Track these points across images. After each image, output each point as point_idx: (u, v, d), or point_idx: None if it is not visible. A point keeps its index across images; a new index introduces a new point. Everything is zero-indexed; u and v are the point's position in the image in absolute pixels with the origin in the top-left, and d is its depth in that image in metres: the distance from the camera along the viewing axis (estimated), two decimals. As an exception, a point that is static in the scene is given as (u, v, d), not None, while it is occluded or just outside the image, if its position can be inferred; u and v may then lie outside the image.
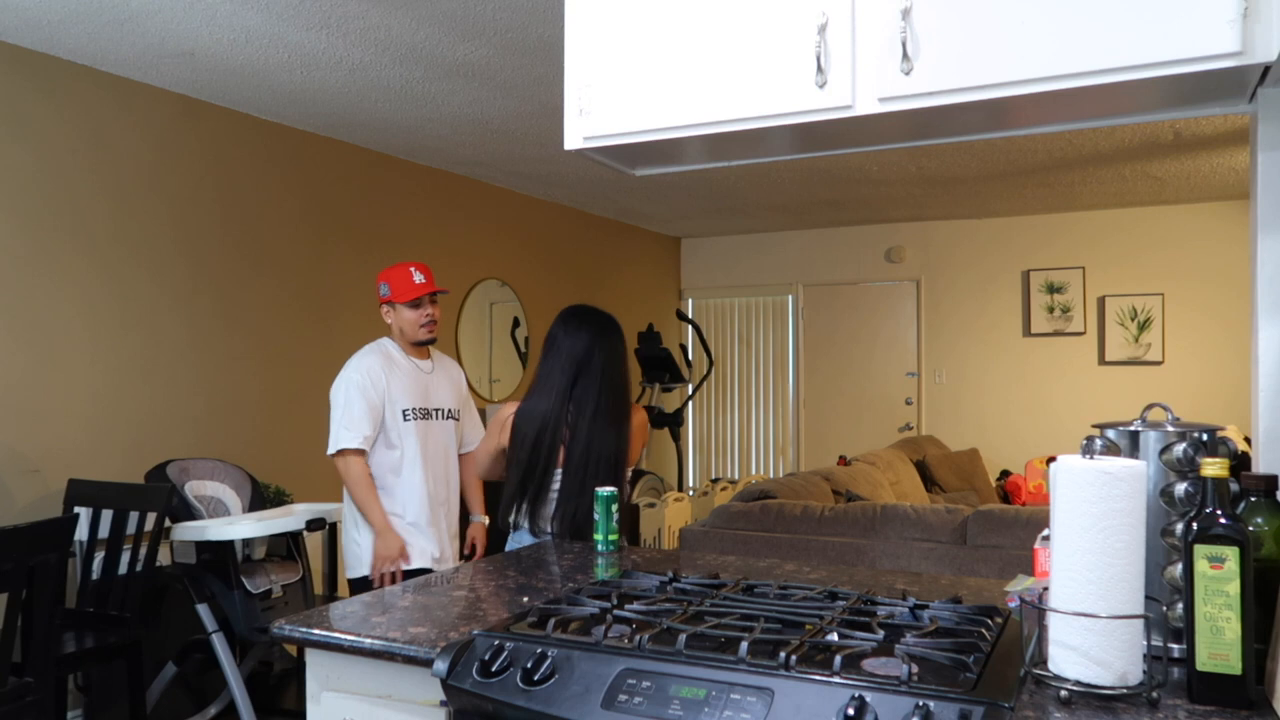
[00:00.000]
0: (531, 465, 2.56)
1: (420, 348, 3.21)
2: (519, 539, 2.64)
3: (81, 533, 3.34)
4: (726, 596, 1.66)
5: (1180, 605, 1.31)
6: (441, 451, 3.21)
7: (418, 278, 3.14)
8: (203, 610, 3.36)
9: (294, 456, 4.58)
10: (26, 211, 3.54)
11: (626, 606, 1.57)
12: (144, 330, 3.95)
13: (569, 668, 1.38)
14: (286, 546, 3.61)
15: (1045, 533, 1.49)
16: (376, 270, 5.11)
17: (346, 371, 3.08)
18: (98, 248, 3.78)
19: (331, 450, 3.04)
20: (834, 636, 1.39)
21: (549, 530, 2.58)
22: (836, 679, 1.25)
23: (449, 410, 3.24)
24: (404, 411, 3.09)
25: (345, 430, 3.00)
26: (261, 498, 3.93)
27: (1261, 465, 1.52)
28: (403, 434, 3.09)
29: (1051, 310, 7.13)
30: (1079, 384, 7.05)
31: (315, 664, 1.64)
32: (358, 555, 3.09)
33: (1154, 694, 1.21)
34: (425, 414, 3.15)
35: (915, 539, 3.90)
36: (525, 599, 1.80)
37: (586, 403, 2.56)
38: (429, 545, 3.12)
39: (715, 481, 7.30)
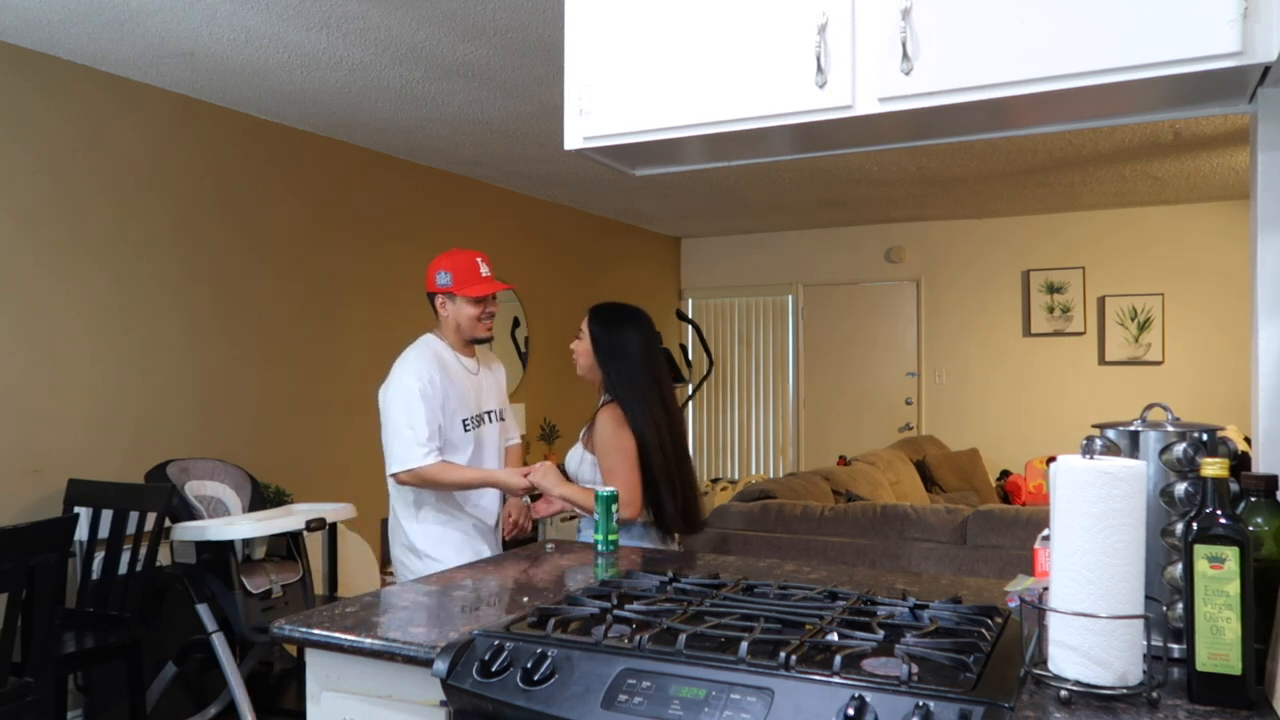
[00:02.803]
0: (666, 470, 2.60)
1: (469, 345, 2.90)
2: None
3: (81, 533, 3.34)
4: (726, 596, 1.66)
5: (1180, 605, 1.31)
6: (496, 458, 2.95)
7: (484, 270, 2.82)
8: (203, 610, 3.36)
9: (294, 456, 4.58)
10: (27, 211, 3.54)
11: (626, 606, 1.57)
12: (144, 330, 3.95)
13: (569, 668, 1.38)
14: (286, 546, 3.61)
15: (1045, 533, 1.49)
16: (376, 270, 5.12)
17: (404, 378, 2.72)
18: (98, 248, 3.78)
19: (399, 469, 2.67)
20: (834, 636, 1.39)
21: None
22: (836, 679, 1.25)
23: (498, 412, 2.97)
24: (464, 422, 2.80)
25: (416, 446, 2.65)
26: (261, 498, 3.94)
27: (1261, 465, 1.52)
28: (465, 446, 2.81)
29: (1051, 310, 7.13)
30: (1079, 384, 7.05)
31: (315, 664, 1.64)
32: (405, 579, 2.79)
33: (1154, 694, 1.21)
34: (480, 420, 2.87)
35: (915, 539, 3.90)
36: (525, 599, 1.80)
37: (668, 396, 2.66)
38: (486, 545, 2.90)
39: (715, 481, 7.30)
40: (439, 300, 2.82)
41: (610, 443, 2.57)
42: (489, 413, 2.93)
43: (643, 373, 2.62)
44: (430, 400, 2.69)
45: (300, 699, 3.68)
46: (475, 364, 2.91)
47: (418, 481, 2.69)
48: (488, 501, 2.89)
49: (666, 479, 2.58)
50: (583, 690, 1.35)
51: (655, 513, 2.61)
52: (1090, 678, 1.22)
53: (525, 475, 2.67)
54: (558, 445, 6.23)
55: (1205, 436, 1.35)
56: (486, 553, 2.84)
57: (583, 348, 2.70)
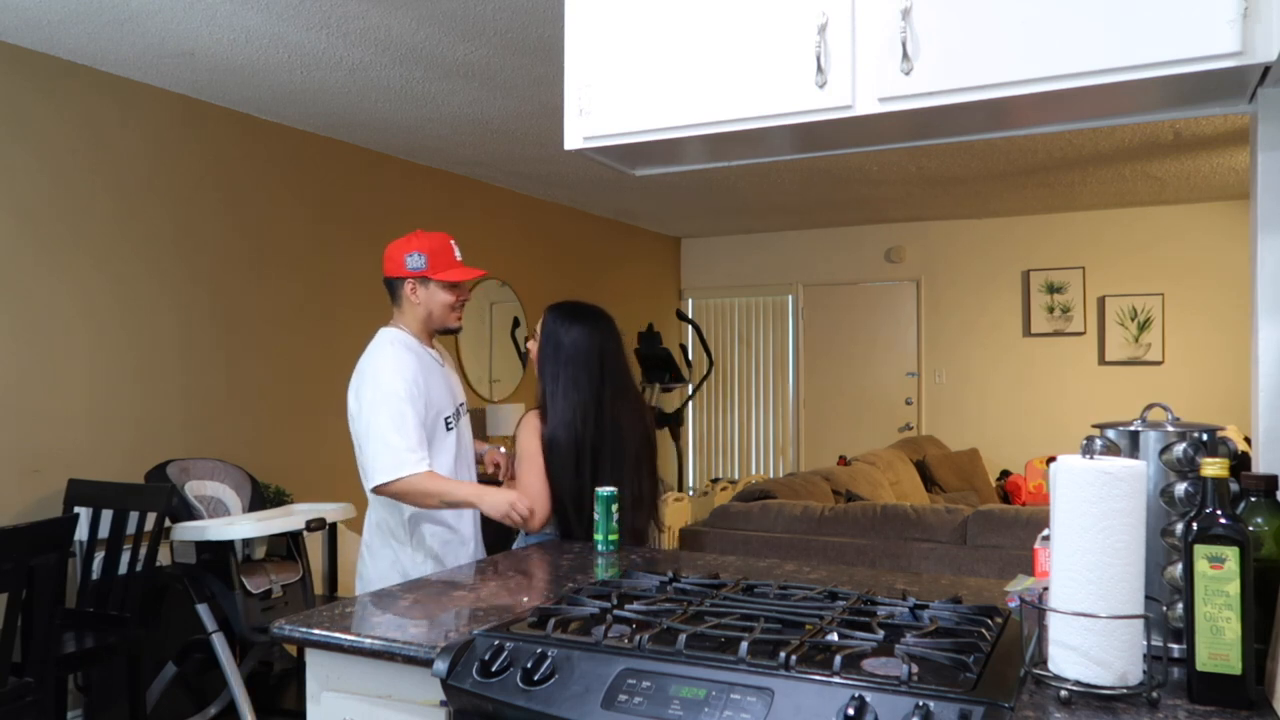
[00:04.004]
0: (577, 485, 2.47)
1: (431, 337, 2.67)
2: (528, 538, 2.63)
3: (81, 533, 3.34)
4: (726, 596, 1.66)
5: (1180, 605, 1.31)
6: (472, 452, 2.77)
7: (458, 254, 2.60)
8: (203, 610, 3.36)
9: (294, 456, 4.58)
10: (27, 212, 3.54)
11: (626, 606, 1.57)
12: (144, 330, 3.95)
13: (569, 668, 1.38)
14: (286, 546, 3.61)
15: (1045, 533, 1.49)
16: (376, 270, 5.06)
17: (385, 380, 2.45)
18: (98, 248, 3.78)
19: (388, 478, 2.39)
20: (834, 636, 1.39)
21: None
22: (836, 679, 1.25)
23: (465, 404, 2.75)
24: (447, 421, 2.58)
25: (407, 453, 2.39)
26: (261, 498, 3.94)
27: (1261, 465, 1.52)
28: (449, 447, 2.58)
29: (1051, 310, 7.13)
30: (1079, 384, 7.05)
31: (315, 664, 1.64)
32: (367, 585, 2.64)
33: (1154, 694, 1.21)
34: (458, 415, 2.66)
35: (915, 539, 3.89)
36: (525, 599, 1.80)
37: (610, 406, 2.50)
38: (477, 556, 2.74)
39: (715, 481, 7.30)
40: (409, 286, 2.57)
41: (521, 448, 2.49)
42: (461, 405, 2.73)
43: (577, 376, 2.47)
44: (416, 402, 2.45)
45: (300, 699, 3.68)
46: (439, 355, 2.68)
47: (401, 494, 2.43)
48: (473, 514, 2.70)
49: (574, 494, 2.46)
50: (583, 690, 1.35)
51: (560, 529, 2.51)
52: (1090, 678, 1.22)
53: (515, 506, 2.42)
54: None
55: (1205, 436, 1.35)
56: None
57: (535, 347, 2.57)
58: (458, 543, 2.61)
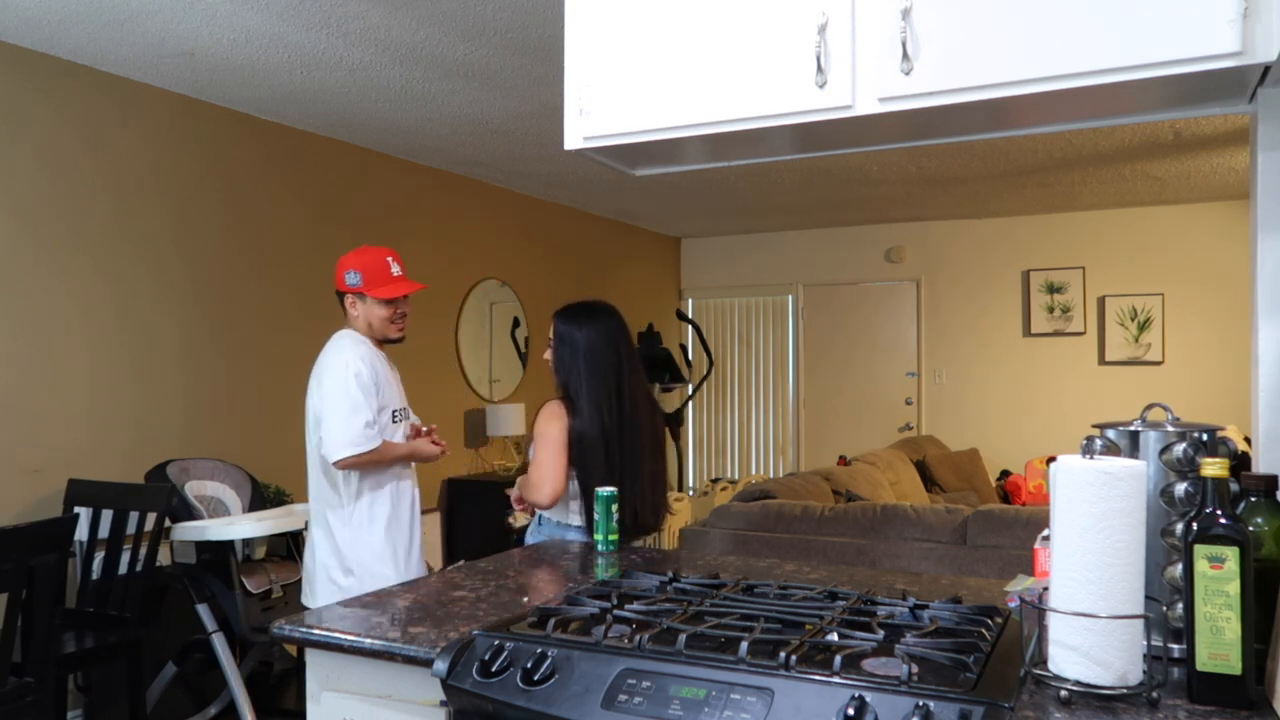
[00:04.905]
0: (607, 472, 2.55)
1: (380, 344, 2.91)
2: (543, 531, 2.65)
3: (81, 533, 3.34)
4: (726, 596, 1.66)
5: (1180, 605, 1.31)
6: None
7: (395, 270, 2.82)
8: (203, 610, 3.36)
9: (294, 456, 4.55)
10: (27, 212, 3.54)
11: (626, 606, 1.57)
12: (144, 330, 3.95)
13: (569, 668, 1.38)
14: (286, 546, 3.61)
15: (1045, 533, 1.49)
16: (376, 270, 5.11)
17: (347, 363, 2.72)
18: (98, 248, 3.78)
19: (352, 452, 2.68)
20: (834, 636, 1.39)
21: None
22: (836, 679, 1.25)
23: (407, 409, 2.99)
24: (394, 414, 2.85)
25: (366, 428, 2.69)
26: (261, 498, 3.94)
27: (1261, 465, 1.52)
28: (399, 436, 2.86)
29: (1051, 310, 7.13)
30: (1079, 384, 7.05)
31: (315, 664, 1.64)
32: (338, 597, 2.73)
33: (1154, 694, 1.21)
34: (404, 414, 2.92)
35: (915, 539, 3.89)
36: (525, 599, 1.80)
37: (628, 396, 2.61)
38: (418, 548, 2.95)
39: (715, 481, 7.30)
40: (348, 300, 2.83)
41: (539, 430, 2.61)
42: (406, 408, 2.97)
43: (594, 367, 2.58)
44: (379, 383, 2.76)
45: (300, 699, 3.67)
46: (388, 359, 2.93)
47: (362, 465, 2.73)
48: (410, 500, 2.93)
49: (607, 482, 2.50)
50: (583, 690, 1.35)
51: (587, 517, 2.57)
52: (1090, 678, 1.22)
53: (436, 444, 2.91)
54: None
55: (1205, 436, 1.35)
56: (417, 555, 2.90)
57: (551, 354, 2.68)
58: (400, 529, 2.85)
